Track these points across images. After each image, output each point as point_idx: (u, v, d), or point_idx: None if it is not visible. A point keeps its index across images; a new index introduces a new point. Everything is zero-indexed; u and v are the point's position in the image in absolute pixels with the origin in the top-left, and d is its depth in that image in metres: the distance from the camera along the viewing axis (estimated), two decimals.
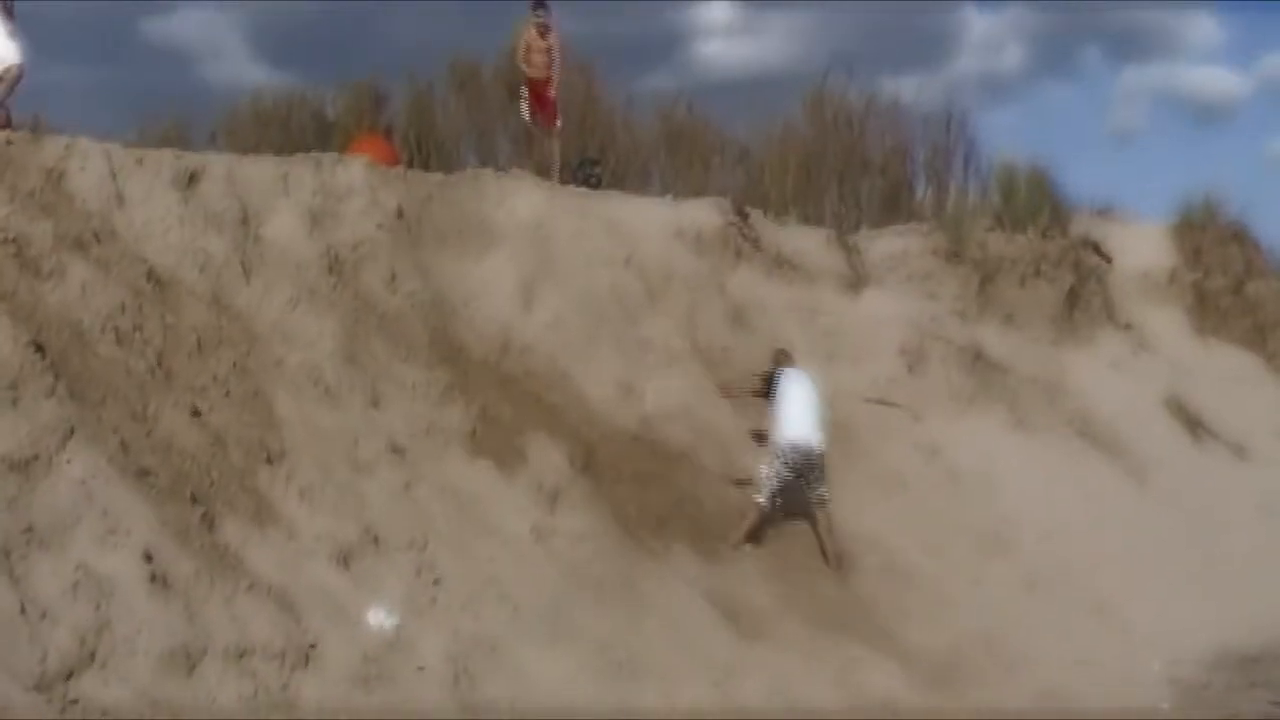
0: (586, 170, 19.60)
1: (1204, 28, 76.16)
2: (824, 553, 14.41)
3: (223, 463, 10.18)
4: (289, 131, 21.50)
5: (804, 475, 14.48)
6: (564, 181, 18.26)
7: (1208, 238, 25.31)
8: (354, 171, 14.07)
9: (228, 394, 10.82)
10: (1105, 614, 14.91)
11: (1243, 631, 15.52)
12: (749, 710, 10.83)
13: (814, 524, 14.54)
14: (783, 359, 15.60)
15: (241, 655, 8.71)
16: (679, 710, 10.48)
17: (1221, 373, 23.04)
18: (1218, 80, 74.63)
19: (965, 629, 13.81)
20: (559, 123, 19.25)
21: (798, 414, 14.73)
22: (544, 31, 18.90)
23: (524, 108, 19.17)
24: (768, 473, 14.39)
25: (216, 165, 13.01)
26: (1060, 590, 14.75)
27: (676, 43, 59.14)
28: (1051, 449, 18.22)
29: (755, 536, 14.16)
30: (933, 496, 15.95)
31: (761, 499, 14.28)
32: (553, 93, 19.10)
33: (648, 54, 51.98)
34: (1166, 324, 23.71)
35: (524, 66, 18.94)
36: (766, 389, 15.29)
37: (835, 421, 16.12)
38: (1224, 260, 25.16)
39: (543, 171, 18.03)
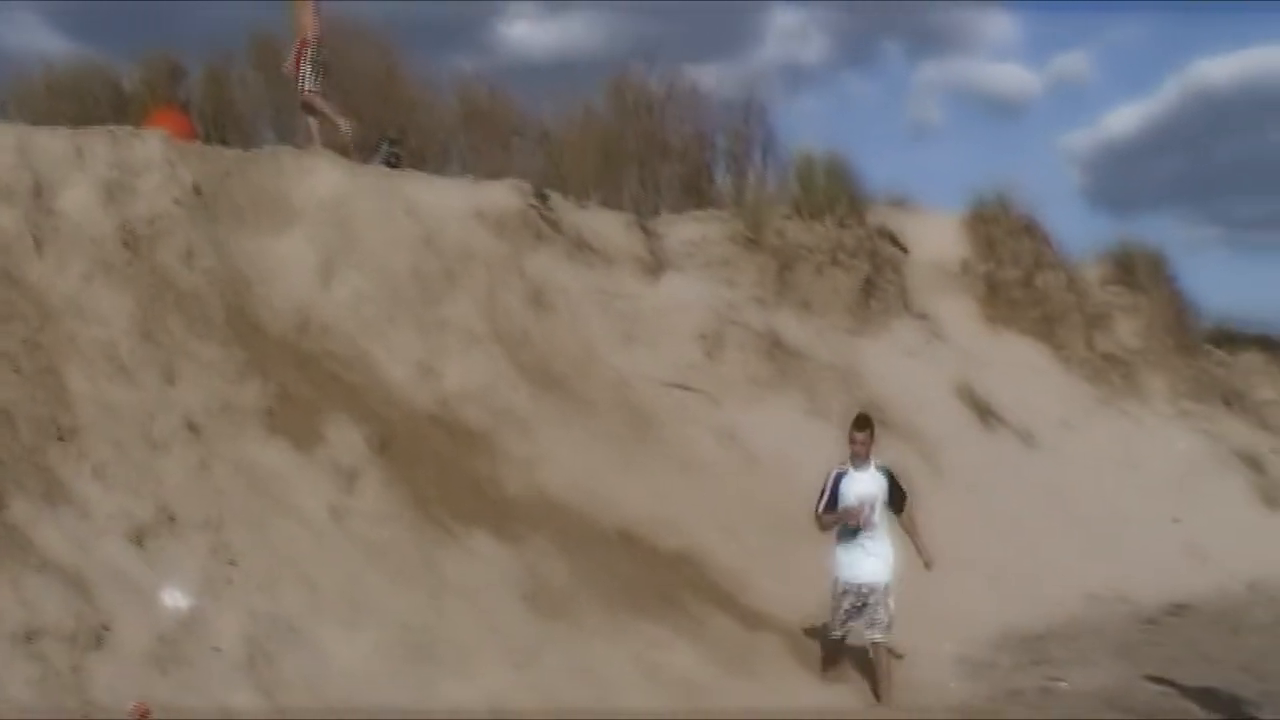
0: (387, 150, 19.41)
1: (1000, 26, 78.41)
2: (877, 697, 12.90)
3: (12, 440, 9.95)
4: (83, 103, 21.13)
5: (864, 611, 12.93)
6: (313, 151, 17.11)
7: (999, 229, 25.94)
8: (151, 145, 13.84)
9: (17, 370, 10.58)
10: (898, 597, 15.19)
11: (1027, 612, 15.99)
12: (549, 690, 10.85)
13: (871, 665, 13.16)
14: (858, 439, 13.29)
15: (30, 637, 8.52)
16: (479, 691, 10.47)
17: (1011, 362, 23.64)
18: (1012, 76, 77.17)
19: (762, 612, 13.95)
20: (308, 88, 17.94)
21: (853, 541, 12.97)
22: None
23: (308, 75, 17.69)
24: (832, 605, 13.03)
25: (7, 136, 12.74)
26: None
27: (480, 24, 59.03)
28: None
29: (833, 663, 13.27)
30: (730, 480, 16.10)
31: (835, 632, 13.07)
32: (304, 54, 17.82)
33: (450, 34, 51.77)
34: (959, 313, 24.26)
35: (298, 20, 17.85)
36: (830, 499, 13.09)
37: (633, 406, 16.23)
38: (1015, 252, 25.80)
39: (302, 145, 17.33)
